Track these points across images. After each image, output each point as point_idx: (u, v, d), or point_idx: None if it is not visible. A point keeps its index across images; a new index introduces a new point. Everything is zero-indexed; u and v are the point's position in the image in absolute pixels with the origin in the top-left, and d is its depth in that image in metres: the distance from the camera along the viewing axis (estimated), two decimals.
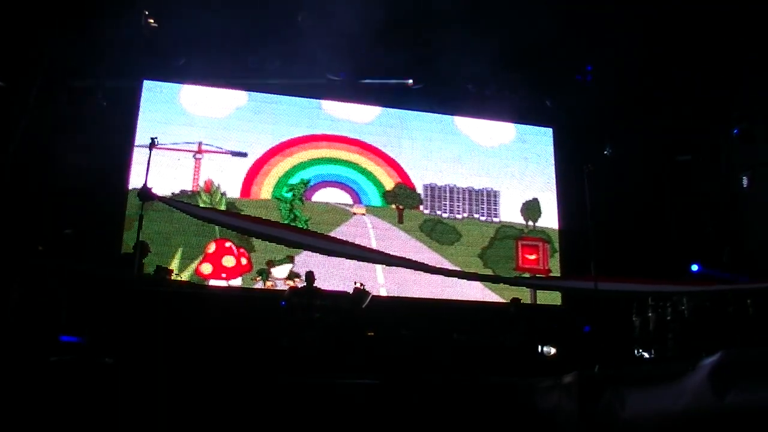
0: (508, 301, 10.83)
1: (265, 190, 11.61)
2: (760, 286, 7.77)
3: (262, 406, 3.95)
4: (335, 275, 10.66)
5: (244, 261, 11.05)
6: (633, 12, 10.11)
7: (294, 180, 11.78)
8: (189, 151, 11.35)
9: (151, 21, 10.48)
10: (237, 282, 10.94)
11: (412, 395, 3.69)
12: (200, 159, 11.38)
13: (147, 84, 11.43)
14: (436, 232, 12.23)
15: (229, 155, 11.54)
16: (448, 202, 12.43)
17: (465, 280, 11.27)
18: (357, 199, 12.04)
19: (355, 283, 9.58)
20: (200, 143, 11.43)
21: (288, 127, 12.01)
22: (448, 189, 12.50)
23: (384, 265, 10.81)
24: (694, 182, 12.56)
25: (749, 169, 11.38)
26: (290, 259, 11.14)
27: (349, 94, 12.09)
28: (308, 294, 8.69)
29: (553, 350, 9.08)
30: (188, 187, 11.22)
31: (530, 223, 12.74)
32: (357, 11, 9.74)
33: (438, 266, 10.03)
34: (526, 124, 13.21)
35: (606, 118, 12.69)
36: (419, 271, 8.85)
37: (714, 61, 11.17)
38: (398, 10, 10.09)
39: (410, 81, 12.09)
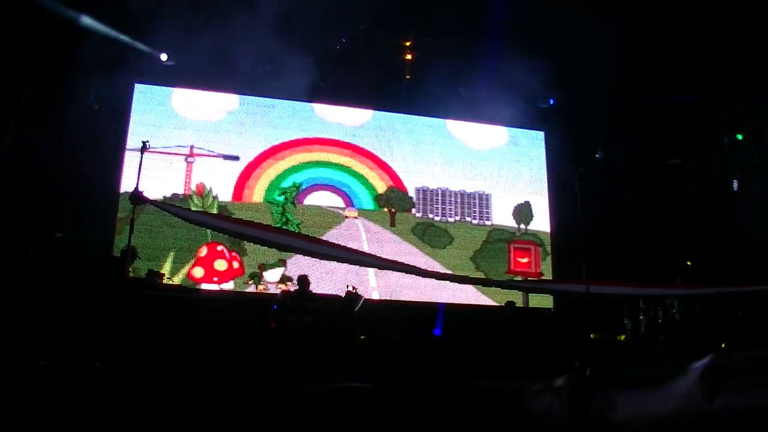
0: (500, 304, 10.86)
1: (257, 193, 11.60)
2: (750, 289, 7.79)
3: (254, 409, 3.94)
4: (327, 279, 10.67)
5: (236, 264, 11.04)
6: (627, 14, 10.18)
7: (286, 183, 11.77)
8: (181, 154, 11.33)
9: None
10: (229, 286, 10.92)
11: (403, 398, 3.68)
12: (192, 162, 11.36)
13: (138, 87, 11.41)
14: (428, 236, 12.24)
15: (221, 159, 11.52)
16: (440, 206, 12.45)
17: (457, 284, 11.27)
18: (349, 202, 12.04)
19: (348, 286, 9.59)
20: (192, 147, 11.42)
21: (280, 131, 12.01)
22: (440, 192, 12.52)
23: (376, 269, 10.81)
24: (685, 185, 12.62)
25: (740, 172, 11.45)
26: (282, 263, 11.13)
27: (340, 97, 12.10)
28: (300, 297, 8.68)
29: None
30: (180, 191, 11.20)
31: (522, 226, 12.78)
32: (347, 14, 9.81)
33: (430, 269, 10.04)
34: (518, 127, 13.25)
35: (598, 122, 12.76)
36: (411, 275, 8.85)
37: (706, 65, 11.24)
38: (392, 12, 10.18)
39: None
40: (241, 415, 3.86)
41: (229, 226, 7.73)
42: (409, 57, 11.82)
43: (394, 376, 7.39)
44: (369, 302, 9.79)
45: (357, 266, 10.04)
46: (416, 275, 8.29)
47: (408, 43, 11.62)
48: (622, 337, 9.53)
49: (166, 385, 3.95)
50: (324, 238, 10.30)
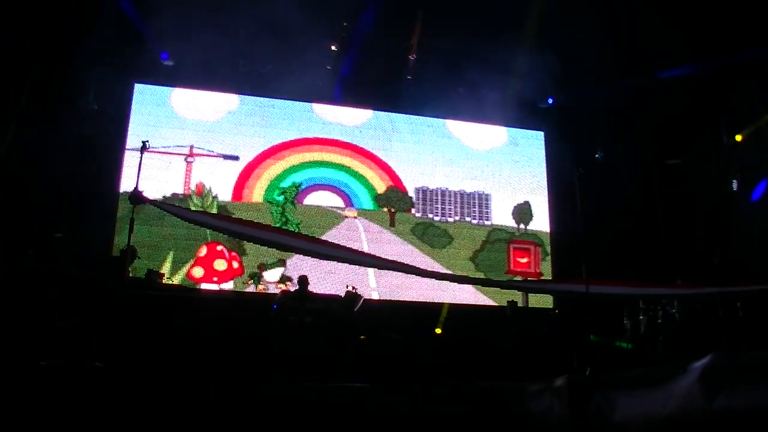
0: (500, 304, 10.87)
1: (257, 193, 11.60)
2: (749, 289, 7.80)
3: (253, 409, 3.94)
4: (327, 279, 10.67)
5: (235, 264, 11.04)
6: (627, 14, 10.19)
7: (286, 183, 11.77)
8: (180, 154, 11.32)
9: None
10: (228, 285, 10.92)
11: (403, 398, 3.69)
12: (191, 162, 11.35)
13: (138, 87, 11.41)
14: (428, 236, 12.24)
15: (221, 158, 11.52)
16: (439, 206, 12.45)
17: (457, 284, 11.27)
18: (349, 202, 12.04)
19: (347, 286, 9.59)
20: (191, 146, 11.41)
21: (280, 131, 12.00)
22: (439, 192, 12.52)
23: (376, 269, 10.81)
24: (684, 185, 12.61)
25: (740, 172, 11.45)
26: (282, 263, 11.13)
27: (340, 96, 12.09)
28: (300, 297, 8.67)
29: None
30: (179, 191, 11.20)
31: (522, 226, 12.77)
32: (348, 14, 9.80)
33: (430, 269, 10.04)
34: (518, 127, 13.25)
35: (597, 122, 12.76)
36: (411, 275, 8.86)
37: (704, 65, 11.24)
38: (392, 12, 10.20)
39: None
40: (242, 415, 3.86)
41: (228, 226, 7.73)
42: (410, 57, 11.82)
43: (394, 376, 7.39)
44: (369, 302, 9.79)
45: (357, 266, 10.05)
46: (416, 275, 8.30)
47: (411, 42, 11.61)
48: (625, 344, 9.51)
49: (167, 385, 3.96)
50: (324, 238, 10.31)
